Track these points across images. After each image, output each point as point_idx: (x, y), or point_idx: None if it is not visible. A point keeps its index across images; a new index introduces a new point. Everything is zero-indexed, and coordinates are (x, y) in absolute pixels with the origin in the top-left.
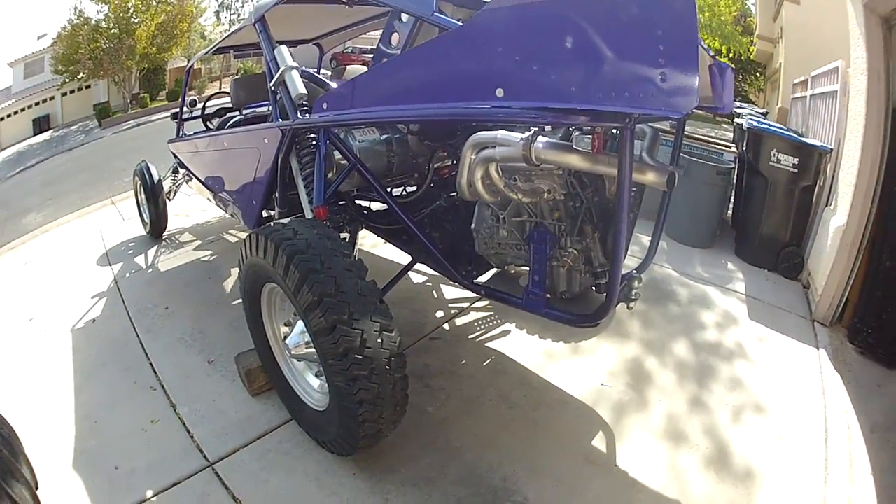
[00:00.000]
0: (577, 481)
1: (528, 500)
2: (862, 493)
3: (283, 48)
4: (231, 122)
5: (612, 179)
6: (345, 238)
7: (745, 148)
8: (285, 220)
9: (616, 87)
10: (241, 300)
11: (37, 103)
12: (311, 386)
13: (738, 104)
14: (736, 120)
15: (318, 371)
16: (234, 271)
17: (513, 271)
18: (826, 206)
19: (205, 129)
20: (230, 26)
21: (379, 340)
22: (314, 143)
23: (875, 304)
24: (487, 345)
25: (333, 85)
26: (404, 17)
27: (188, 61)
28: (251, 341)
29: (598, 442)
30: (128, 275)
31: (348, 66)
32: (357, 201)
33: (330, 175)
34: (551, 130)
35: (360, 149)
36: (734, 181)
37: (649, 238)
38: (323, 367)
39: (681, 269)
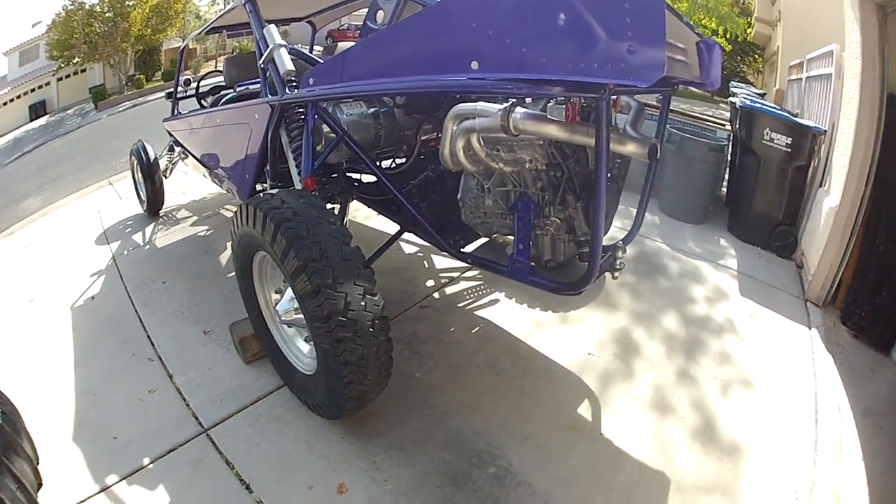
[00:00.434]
0: (561, 448)
1: (512, 465)
2: (852, 478)
3: (272, 27)
4: (224, 99)
5: (594, 151)
6: (334, 209)
7: (738, 126)
8: (274, 191)
9: (584, 58)
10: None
11: (32, 90)
12: (301, 351)
13: (736, 85)
14: (730, 98)
15: (307, 336)
16: (230, 245)
17: (500, 240)
18: (820, 186)
19: (199, 107)
20: (225, 6)
21: (362, 303)
22: (303, 117)
23: (869, 287)
24: (476, 313)
25: (321, 61)
26: None
27: (183, 42)
28: (245, 311)
29: (584, 410)
30: (126, 252)
31: (339, 43)
32: (348, 174)
33: (318, 148)
34: (532, 102)
35: (347, 122)
36: (728, 159)
37: (650, 216)
38: (310, 330)
39: (672, 243)
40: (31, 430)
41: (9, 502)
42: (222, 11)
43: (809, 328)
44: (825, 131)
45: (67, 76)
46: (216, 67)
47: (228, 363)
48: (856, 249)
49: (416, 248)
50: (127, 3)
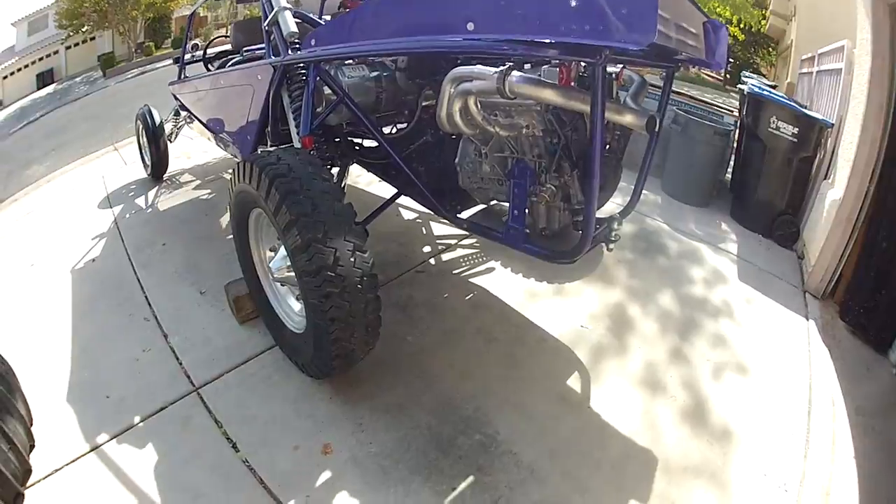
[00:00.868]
0: (549, 418)
1: (499, 433)
2: (843, 475)
3: None
4: (231, 63)
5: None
6: (333, 171)
7: (745, 113)
8: (271, 149)
9: (576, 19)
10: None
11: (41, 58)
12: (293, 309)
13: (747, 75)
14: (739, 85)
15: (298, 294)
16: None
17: (497, 208)
18: (824, 179)
19: (206, 71)
20: None
21: (352, 259)
22: (304, 78)
23: (869, 284)
24: (471, 280)
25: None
26: None
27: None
28: (241, 272)
29: (574, 382)
30: (128, 216)
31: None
32: (350, 138)
33: (319, 110)
34: (531, 68)
35: (348, 84)
36: (734, 145)
37: (653, 196)
38: (299, 285)
39: (673, 224)
40: (25, 391)
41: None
42: None
43: (807, 319)
44: (833, 125)
45: (76, 44)
46: (226, 33)
47: (222, 323)
48: (858, 244)
49: (415, 215)
50: None
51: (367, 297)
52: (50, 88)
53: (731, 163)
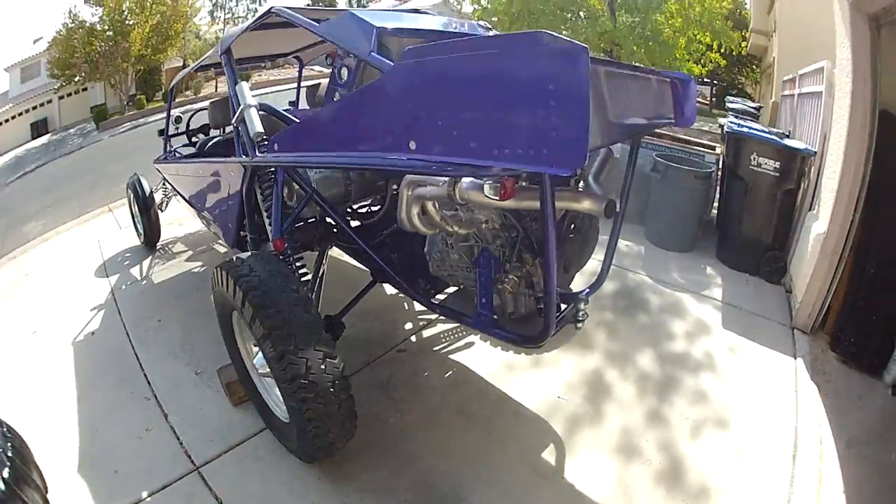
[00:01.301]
0: (524, 492)
1: None
2: None
3: (244, 84)
4: (212, 143)
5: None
6: (302, 267)
7: (725, 152)
8: (244, 255)
9: (508, 145)
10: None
11: (34, 107)
12: (280, 399)
13: (731, 100)
14: (720, 120)
15: None
16: None
17: (471, 289)
18: (809, 210)
19: (189, 143)
20: (225, 26)
21: (322, 367)
22: (274, 176)
23: (859, 312)
24: (451, 356)
25: (295, 119)
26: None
27: (183, 62)
28: None
29: (548, 454)
30: (124, 286)
31: (321, 83)
32: (328, 219)
33: (291, 203)
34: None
35: (317, 179)
36: (717, 183)
37: (636, 247)
38: (278, 387)
39: (655, 275)
40: (38, 461)
41: None
42: (206, 55)
43: (795, 358)
44: (815, 153)
45: (69, 94)
46: (216, 89)
47: (218, 403)
48: (845, 274)
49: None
50: (127, 22)
51: (339, 399)
52: (45, 139)
53: (717, 199)
